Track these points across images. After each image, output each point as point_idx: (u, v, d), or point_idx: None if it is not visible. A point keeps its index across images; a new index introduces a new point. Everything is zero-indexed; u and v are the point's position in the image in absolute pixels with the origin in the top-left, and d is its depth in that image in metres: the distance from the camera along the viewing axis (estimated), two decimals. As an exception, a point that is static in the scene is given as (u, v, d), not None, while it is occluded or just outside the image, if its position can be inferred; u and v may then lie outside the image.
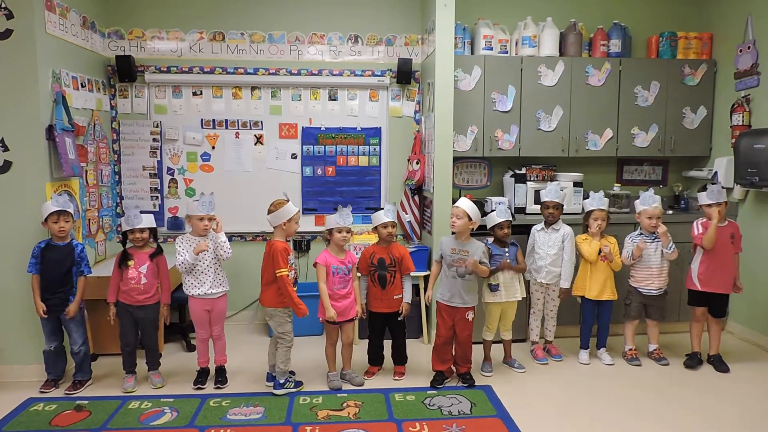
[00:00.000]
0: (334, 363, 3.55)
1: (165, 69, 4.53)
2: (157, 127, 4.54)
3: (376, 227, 3.62)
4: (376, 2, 4.66)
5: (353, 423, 3.03)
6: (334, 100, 4.69)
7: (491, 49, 4.41)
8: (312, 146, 4.69)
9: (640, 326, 3.93)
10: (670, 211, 4.62)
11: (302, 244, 4.74)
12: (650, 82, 4.54)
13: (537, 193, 4.39)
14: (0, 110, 3.42)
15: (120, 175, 4.57)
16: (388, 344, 3.72)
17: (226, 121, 4.61)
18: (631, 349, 3.90)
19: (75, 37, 3.92)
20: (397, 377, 3.64)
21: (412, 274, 3.66)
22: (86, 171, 4.04)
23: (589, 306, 3.88)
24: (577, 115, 4.49)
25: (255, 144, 4.65)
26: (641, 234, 3.82)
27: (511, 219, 3.67)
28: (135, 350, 3.52)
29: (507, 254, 3.62)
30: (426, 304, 4.02)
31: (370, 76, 4.68)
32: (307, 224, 4.66)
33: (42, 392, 3.40)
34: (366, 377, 3.63)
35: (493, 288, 3.58)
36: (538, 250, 3.87)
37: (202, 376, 3.53)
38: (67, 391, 3.41)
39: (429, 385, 3.50)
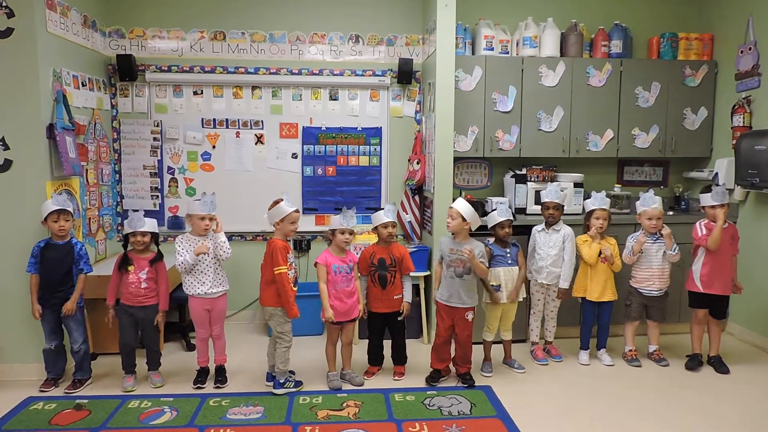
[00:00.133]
0: (334, 363, 3.55)
1: (166, 68, 4.53)
2: (157, 126, 4.54)
3: (376, 227, 3.61)
4: (377, 2, 4.66)
5: (353, 423, 3.03)
6: (335, 99, 4.68)
7: (492, 49, 4.41)
8: (312, 146, 4.68)
9: (640, 327, 3.93)
10: (671, 212, 4.60)
11: (302, 244, 4.73)
12: (651, 83, 4.53)
13: (537, 193, 4.39)
14: (0, 109, 3.42)
15: (120, 174, 4.57)
16: (387, 344, 3.71)
17: (227, 120, 4.61)
18: (631, 350, 3.90)
19: (76, 36, 3.92)
20: (396, 377, 3.64)
21: (412, 274, 3.66)
22: (87, 170, 4.04)
23: (589, 307, 3.87)
24: (578, 116, 4.49)
25: (255, 143, 4.65)
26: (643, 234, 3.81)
27: (512, 218, 3.66)
28: (134, 350, 3.52)
29: (508, 254, 3.62)
30: (426, 305, 4.02)
31: (370, 76, 4.68)
32: (308, 224, 4.65)
33: (42, 391, 3.40)
34: (366, 377, 3.63)
35: (495, 289, 3.58)
36: (539, 250, 3.86)
37: (201, 375, 3.53)
38: (66, 390, 3.40)
39: (424, 381, 3.51)
